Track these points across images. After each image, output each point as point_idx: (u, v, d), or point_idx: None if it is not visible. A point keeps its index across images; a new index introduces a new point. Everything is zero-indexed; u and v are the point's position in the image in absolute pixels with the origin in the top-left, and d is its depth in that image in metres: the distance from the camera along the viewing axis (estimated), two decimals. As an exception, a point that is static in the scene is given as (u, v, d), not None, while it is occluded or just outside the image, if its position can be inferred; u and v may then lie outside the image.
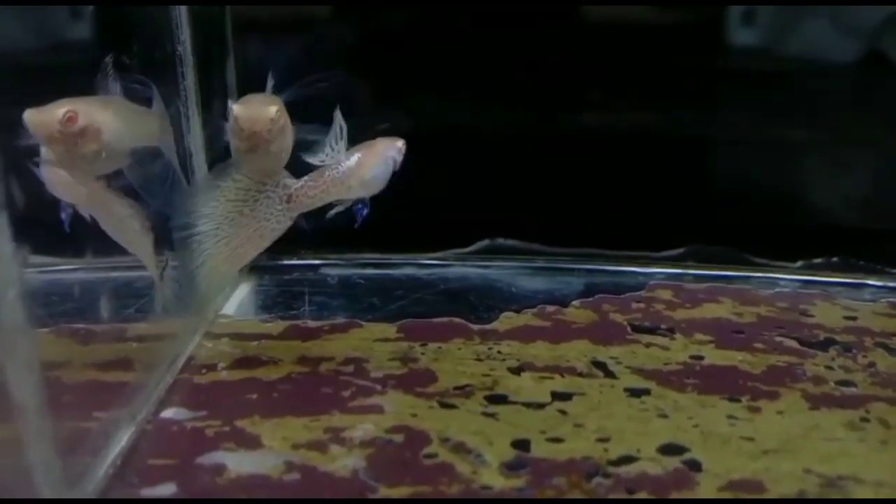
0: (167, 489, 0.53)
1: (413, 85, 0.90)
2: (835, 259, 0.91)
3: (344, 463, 0.56)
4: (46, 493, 0.47)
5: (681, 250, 0.93)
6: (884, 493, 0.53)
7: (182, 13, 0.74)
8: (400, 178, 0.69)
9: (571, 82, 0.92)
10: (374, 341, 0.74)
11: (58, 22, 0.68)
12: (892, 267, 0.90)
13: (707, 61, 0.92)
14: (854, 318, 0.80)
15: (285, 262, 0.93)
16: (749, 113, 0.93)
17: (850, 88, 0.91)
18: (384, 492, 0.53)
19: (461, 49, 0.89)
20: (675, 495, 0.53)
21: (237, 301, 0.84)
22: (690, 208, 0.93)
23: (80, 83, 0.59)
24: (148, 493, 0.53)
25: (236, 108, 0.59)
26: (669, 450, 0.58)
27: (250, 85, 0.65)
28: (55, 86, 0.56)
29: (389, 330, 0.76)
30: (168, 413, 0.63)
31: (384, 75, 0.86)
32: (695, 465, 0.56)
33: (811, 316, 0.81)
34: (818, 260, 0.92)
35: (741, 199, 0.94)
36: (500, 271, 0.92)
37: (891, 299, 0.85)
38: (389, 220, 0.70)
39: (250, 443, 0.58)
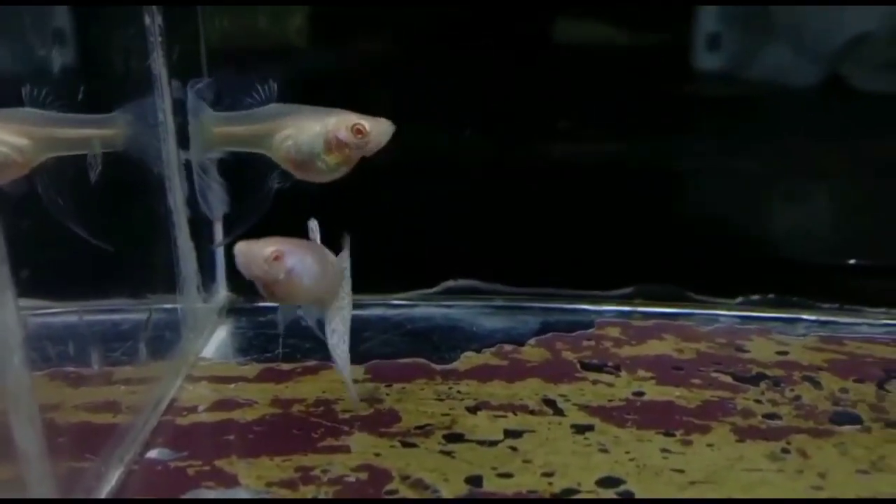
0: (153, 527, 0.59)
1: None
2: (771, 295, 0.96)
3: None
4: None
5: (630, 289, 0.98)
6: (795, 519, 0.60)
7: (156, 28, 0.77)
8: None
9: (525, 114, 0.94)
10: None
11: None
12: (824, 301, 0.95)
13: (670, 88, 0.93)
14: (785, 353, 0.86)
15: (261, 304, 0.96)
16: (700, 144, 0.95)
17: (804, 118, 0.92)
18: (349, 526, 0.59)
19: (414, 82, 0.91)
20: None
21: (216, 344, 0.89)
22: (640, 246, 0.96)
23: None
24: (136, 530, 0.59)
25: None
26: (607, 482, 0.64)
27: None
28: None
29: (357, 371, 0.81)
30: (153, 454, 0.68)
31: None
32: (629, 496, 0.62)
33: (746, 351, 0.86)
34: (755, 297, 0.97)
35: (685, 234, 0.97)
36: (462, 311, 0.97)
37: (821, 333, 0.91)
38: (360, 261, 0.75)
39: (228, 481, 0.64)
